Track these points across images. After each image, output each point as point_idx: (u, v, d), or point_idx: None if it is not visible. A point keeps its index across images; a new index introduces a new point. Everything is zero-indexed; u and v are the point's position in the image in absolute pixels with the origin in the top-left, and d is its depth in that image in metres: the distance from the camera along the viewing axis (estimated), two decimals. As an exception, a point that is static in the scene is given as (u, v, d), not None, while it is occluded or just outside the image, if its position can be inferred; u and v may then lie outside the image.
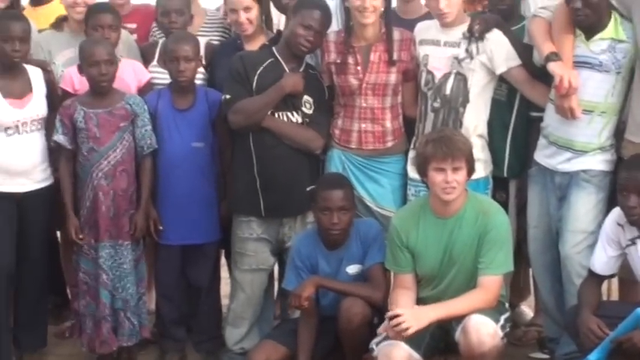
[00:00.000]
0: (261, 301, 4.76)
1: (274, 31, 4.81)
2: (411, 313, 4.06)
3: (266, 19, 4.77)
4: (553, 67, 4.25)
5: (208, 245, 4.75)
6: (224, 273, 5.17)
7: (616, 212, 4.23)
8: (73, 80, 4.55)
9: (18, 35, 4.26)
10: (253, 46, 4.65)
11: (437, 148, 4.15)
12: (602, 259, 4.24)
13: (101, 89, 4.38)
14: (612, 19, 4.30)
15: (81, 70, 4.38)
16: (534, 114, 4.57)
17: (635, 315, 4.03)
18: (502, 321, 4.23)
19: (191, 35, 4.59)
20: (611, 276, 4.43)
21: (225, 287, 5.15)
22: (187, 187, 4.62)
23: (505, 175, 4.66)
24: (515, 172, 4.64)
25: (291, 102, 4.45)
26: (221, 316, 5.00)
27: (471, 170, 4.22)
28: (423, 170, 4.23)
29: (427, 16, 4.61)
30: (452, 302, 4.19)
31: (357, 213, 4.53)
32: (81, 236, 4.50)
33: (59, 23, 4.85)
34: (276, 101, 4.43)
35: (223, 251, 5.06)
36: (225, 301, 5.07)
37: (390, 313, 4.13)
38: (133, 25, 5.08)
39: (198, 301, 4.87)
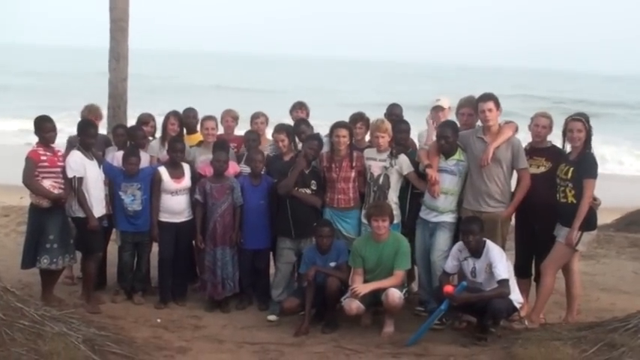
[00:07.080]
0: (288, 277, 7.33)
1: (298, 149, 7.63)
2: (361, 285, 6.56)
3: (293, 144, 7.63)
4: (428, 171, 6.81)
5: (265, 249, 7.61)
6: (272, 262, 7.71)
7: (458, 244, 6.66)
8: (205, 170, 7.63)
9: (180, 149, 7.47)
10: (287, 157, 7.56)
11: (374, 210, 6.72)
12: (450, 265, 6.68)
13: (219, 173, 7.35)
14: (458, 149, 6.92)
15: (210, 165, 7.45)
16: (416, 191, 7.22)
17: (461, 285, 6.40)
18: (404, 291, 6.76)
19: (261, 151, 7.60)
20: (454, 274, 6.73)
21: (271, 269, 7.70)
22: (258, 221, 7.43)
23: (406, 221, 7.28)
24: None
25: (305, 183, 7.19)
26: (269, 283, 7.56)
27: (391, 220, 6.70)
28: (368, 220, 6.78)
29: (370, 146, 7.38)
30: (381, 281, 6.59)
31: (336, 237, 7.02)
32: (202, 244, 7.38)
33: (199, 144, 7.91)
34: (296, 176, 7.04)
35: (272, 252, 7.67)
36: (271, 276, 7.64)
37: (351, 286, 6.60)
38: (235, 144, 8.12)
39: (259, 276, 7.58)
